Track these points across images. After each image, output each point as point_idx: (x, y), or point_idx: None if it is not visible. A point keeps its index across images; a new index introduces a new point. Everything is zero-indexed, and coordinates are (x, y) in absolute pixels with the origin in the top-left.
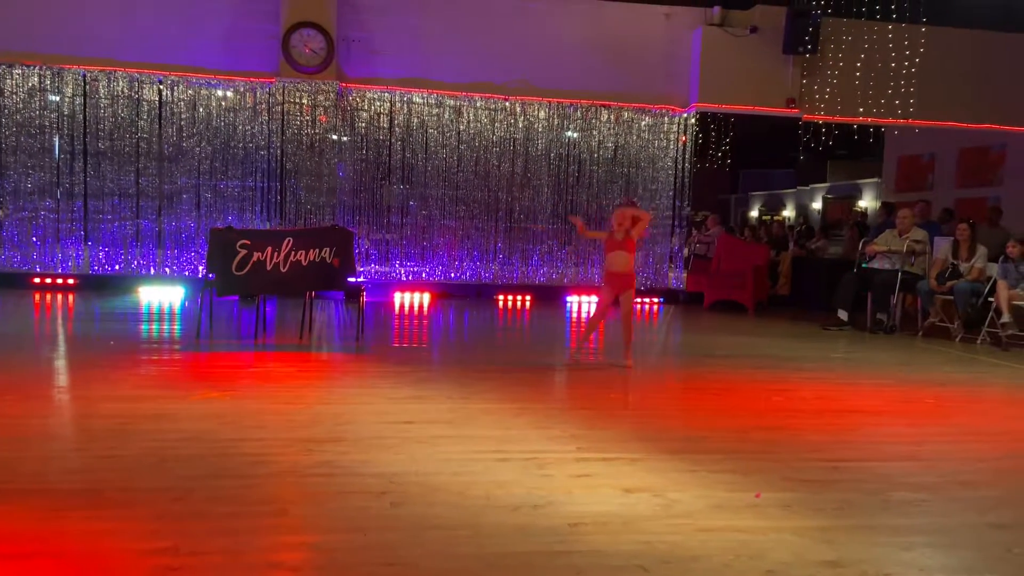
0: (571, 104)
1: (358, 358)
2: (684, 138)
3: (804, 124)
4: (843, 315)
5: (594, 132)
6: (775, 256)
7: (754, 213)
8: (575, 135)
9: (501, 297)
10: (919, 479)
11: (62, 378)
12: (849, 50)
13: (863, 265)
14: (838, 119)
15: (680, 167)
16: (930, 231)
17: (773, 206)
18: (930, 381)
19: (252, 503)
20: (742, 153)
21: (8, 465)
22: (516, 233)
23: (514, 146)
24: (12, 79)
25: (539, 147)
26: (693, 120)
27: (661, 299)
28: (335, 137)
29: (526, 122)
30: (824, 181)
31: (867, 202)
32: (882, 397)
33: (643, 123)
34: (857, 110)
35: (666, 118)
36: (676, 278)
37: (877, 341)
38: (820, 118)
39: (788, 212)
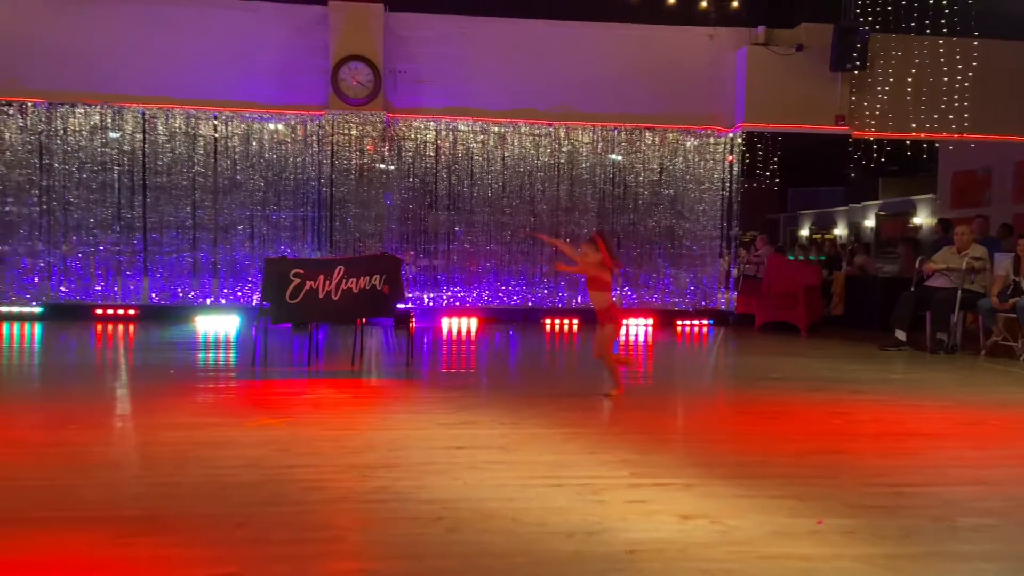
0: (615, 127)
1: (408, 384)
2: (731, 158)
3: (854, 141)
4: (901, 335)
5: (638, 154)
6: (828, 275)
7: (804, 232)
8: (619, 158)
9: (548, 321)
10: (986, 504)
11: (124, 406)
12: (899, 65)
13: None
14: (889, 135)
15: (727, 187)
16: (989, 247)
17: (824, 224)
18: (994, 402)
19: (310, 529)
20: (790, 171)
21: (74, 492)
22: (562, 257)
23: (558, 171)
24: (75, 118)
25: (583, 171)
26: (739, 140)
27: (710, 321)
28: (382, 166)
29: (570, 146)
30: (876, 198)
31: (922, 218)
32: (944, 419)
33: (688, 144)
34: (909, 126)
35: (712, 138)
36: (725, 299)
37: (937, 361)
38: (871, 134)
39: (840, 230)
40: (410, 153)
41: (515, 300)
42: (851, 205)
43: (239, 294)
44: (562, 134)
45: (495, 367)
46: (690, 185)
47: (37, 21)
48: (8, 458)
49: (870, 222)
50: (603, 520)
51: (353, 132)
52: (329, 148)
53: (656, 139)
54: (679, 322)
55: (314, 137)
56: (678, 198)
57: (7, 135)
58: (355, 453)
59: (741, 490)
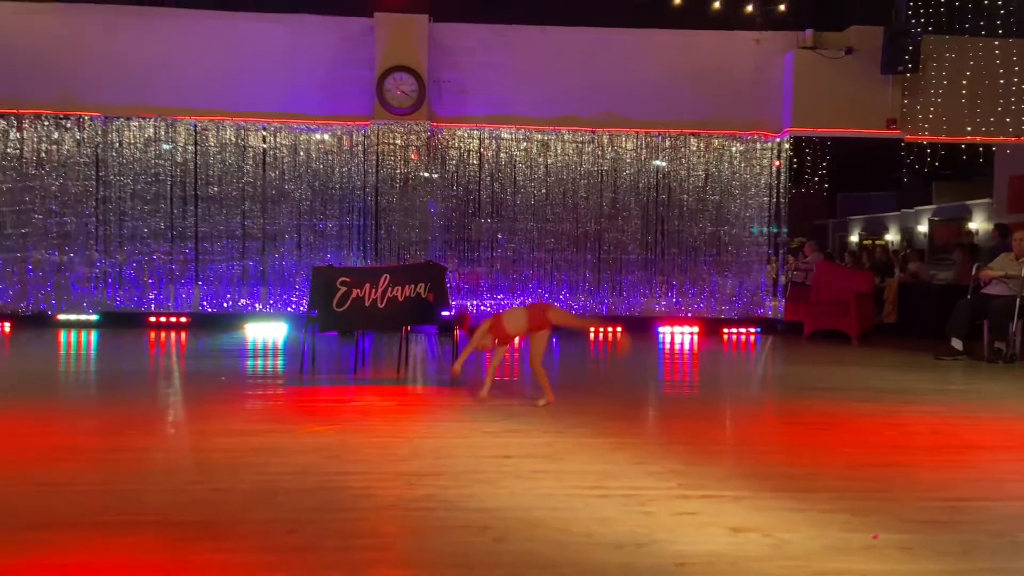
0: (659, 134)
1: (453, 391)
2: (778, 163)
3: (907, 145)
4: (957, 344)
5: (683, 161)
6: (880, 282)
7: (854, 238)
8: (664, 164)
9: (591, 329)
10: None
11: (178, 413)
12: (953, 68)
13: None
14: (943, 139)
15: (774, 193)
16: None
17: (874, 230)
18: None
19: (360, 536)
20: (839, 176)
21: (132, 498)
22: (605, 264)
23: (602, 178)
24: (130, 131)
25: (627, 178)
26: (787, 145)
27: (758, 329)
28: (426, 175)
29: (613, 153)
30: (929, 203)
31: (978, 224)
32: (1002, 432)
33: (734, 150)
34: (964, 129)
35: (758, 144)
36: (773, 307)
37: (995, 371)
38: (924, 138)
39: (891, 236)
40: (454, 161)
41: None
42: (903, 210)
43: (286, 302)
44: (605, 141)
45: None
46: (736, 191)
47: (93, 38)
48: (69, 464)
49: (923, 227)
50: (651, 532)
51: (398, 141)
52: (374, 157)
53: (701, 145)
54: (725, 330)
55: (360, 147)
56: (724, 204)
57: (65, 148)
58: (403, 461)
59: (792, 503)
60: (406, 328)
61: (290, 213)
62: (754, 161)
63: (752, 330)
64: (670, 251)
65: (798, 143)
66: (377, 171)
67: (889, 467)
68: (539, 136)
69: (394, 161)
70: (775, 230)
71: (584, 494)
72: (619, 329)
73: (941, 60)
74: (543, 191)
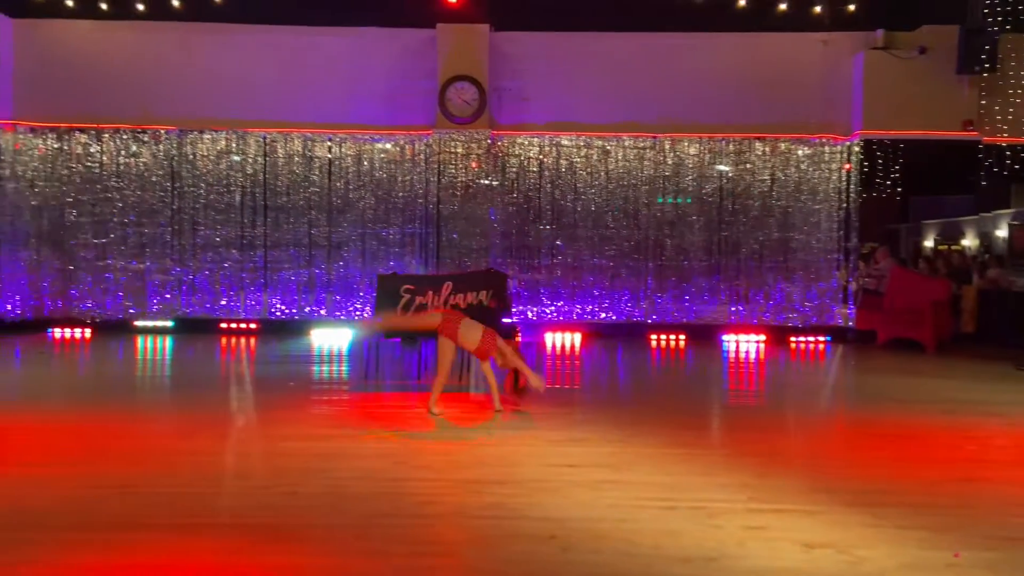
0: (723, 138)
1: (514, 399)
2: (848, 166)
3: (984, 147)
4: None
5: (748, 165)
6: (956, 290)
7: (928, 243)
8: (727, 169)
9: (654, 337)
10: None
11: (249, 417)
12: None
13: None
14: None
15: (844, 197)
16: None
17: (950, 235)
18: None
19: (426, 543)
20: (913, 179)
21: (208, 500)
22: (667, 271)
23: (664, 183)
24: (203, 143)
25: (689, 183)
26: (857, 148)
27: (828, 338)
28: (487, 182)
29: (675, 158)
30: (1008, 206)
31: None
32: None
33: (801, 153)
34: None
35: (827, 147)
36: (843, 315)
37: None
38: (1003, 140)
39: (968, 241)
40: (514, 169)
41: (619, 315)
42: (981, 214)
43: (351, 308)
44: (667, 146)
45: (600, 383)
46: (804, 196)
47: (169, 54)
48: (146, 467)
49: (1002, 232)
50: (720, 546)
51: (459, 150)
52: (436, 166)
53: (767, 149)
54: (793, 339)
55: (421, 156)
56: (791, 209)
57: (142, 161)
58: (466, 468)
59: (868, 518)
60: None
61: (354, 221)
62: (823, 165)
63: (821, 339)
64: (735, 257)
65: (869, 146)
66: (439, 179)
67: (970, 482)
68: (599, 142)
69: (455, 169)
70: (845, 235)
71: (650, 505)
72: (683, 338)
73: (1021, 59)
74: (603, 197)
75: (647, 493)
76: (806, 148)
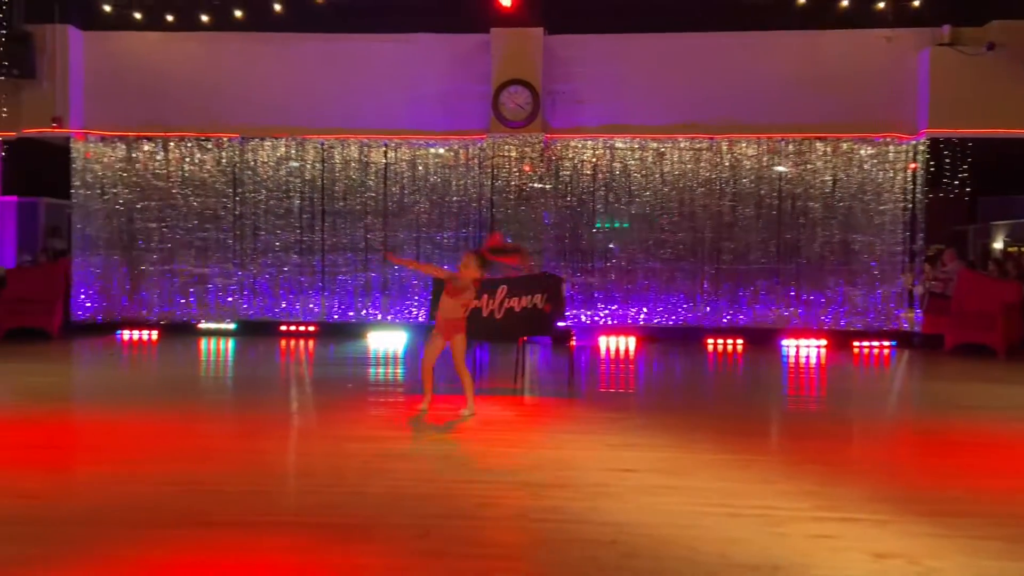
0: (782, 138)
1: (570, 403)
2: (914, 166)
3: None
4: None
5: (808, 166)
6: None
7: (998, 245)
8: (787, 170)
9: (710, 341)
10: None
11: (310, 418)
12: None
13: None
14: None
15: (909, 198)
16: None
17: (1020, 236)
18: None
19: (487, 545)
20: (981, 179)
21: (272, 499)
22: (724, 274)
23: (721, 185)
24: (264, 150)
25: (747, 185)
26: (923, 147)
27: (893, 343)
28: (539, 186)
29: (733, 160)
30: None
31: None
32: None
33: (864, 153)
34: None
35: (891, 147)
36: (909, 319)
37: None
38: None
39: None
40: (567, 172)
41: (675, 319)
42: None
43: (406, 312)
44: (724, 147)
45: (657, 388)
46: (868, 197)
47: (232, 63)
48: (212, 465)
49: None
50: (786, 555)
51: (512, 154)
52: (489, 170)
53: (828, 149)
54: (856, 344)
55: (475, 160)
56: (853, 211)
57: (206, 168)
58: (525, 471)
59: (940, 529)
60: (522, 338)
61: (409, 226)
62: (887, 165)
63: (886, 344)
64: (795, 260)
65: (935, 145)
66: (492, 183)
67: None
68: (654, 144)
69: (509, 173)
70: (911, 237)
71: (713, 512)
72: (741, 342)
73: None
74: (658, 200)
75: (708, 499)
76: (869, 148)
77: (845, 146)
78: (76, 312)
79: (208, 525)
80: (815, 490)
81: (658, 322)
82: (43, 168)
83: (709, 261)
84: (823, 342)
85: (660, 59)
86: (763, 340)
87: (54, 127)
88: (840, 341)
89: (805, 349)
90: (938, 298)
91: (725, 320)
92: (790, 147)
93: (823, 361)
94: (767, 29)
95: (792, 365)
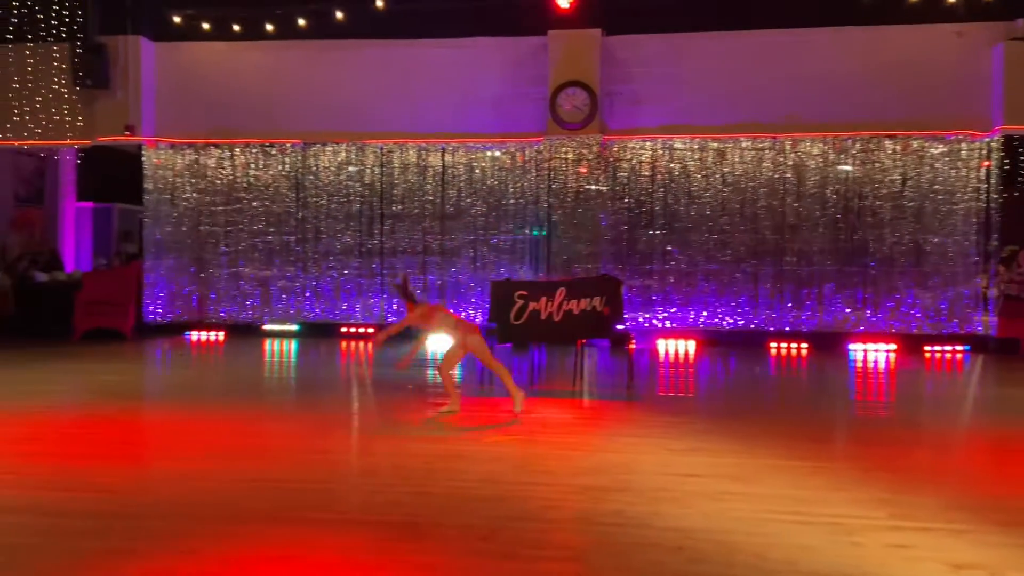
0: (849, 137)
1: (630, 406)
2: (988, 163)
3: None
4: None
5: (876, 164)
6: None
7: None
8: (853, 169)
9: (773, 345)
10: None
11: (371, 418)
12: None
13: None
14: None
15: (984, 197)
16: None
17: None
18: None
19: (552, 547)
20: None
21: (338, 496)
22: (788, 276)
23: (784, 185)
24: (325, 155)
25: (812, 185)
26: (997, 144)
27: (966, 347)
28: (598, 188)
29: (797, 159)
30: None
31: None
32: None
33: (935, 151)
34: None
35: (963, 144)
36: (983, 323)
37: None
38: None
39: None
40: (625, 174)
41: (736, 322)
42: None
43: (463, 314)
44: (788, 146)
45: (719, 392)
46: (939, 196)
47: (296, 71)
48: (277, 463)
49: None
50: (861, 564)
51: (569, 156)
52: (546, 172)
53: (897, 147)
54: (927, 348)
55: (532, 162)
56: (924, 211)
57: (269, 173)
58: (586, 474)
59: (1020, 539)
60: (581, 341)
61: (466, 228)
62: (959, 163)
63: (959, 348)
64: (862, 262)
65: (1010, 142)
66: (549, 185)
67: None
68: (715, 144)
69: (565, 175)
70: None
71: (781, 519)
72: (805, 346)
73: None
74: (719, 201)
75: (777, 506)
76: (940, 145)
77: (915, 144)
78: (148, 314)
79: (278, 521)
80: (888, 498)
81: (718, 325)
82: (115, 175)
83: (772, 263)
84: (892, 346)
85: (720, 58)
86: (829, 344)
87: (127, 135)
88: (910, 345)
89: (873, 354)
90: (1013, 300)
91: (789, 324)
92: (856, 145)
93: (892, 366)
94: (833, 25)
95: (860, 370)
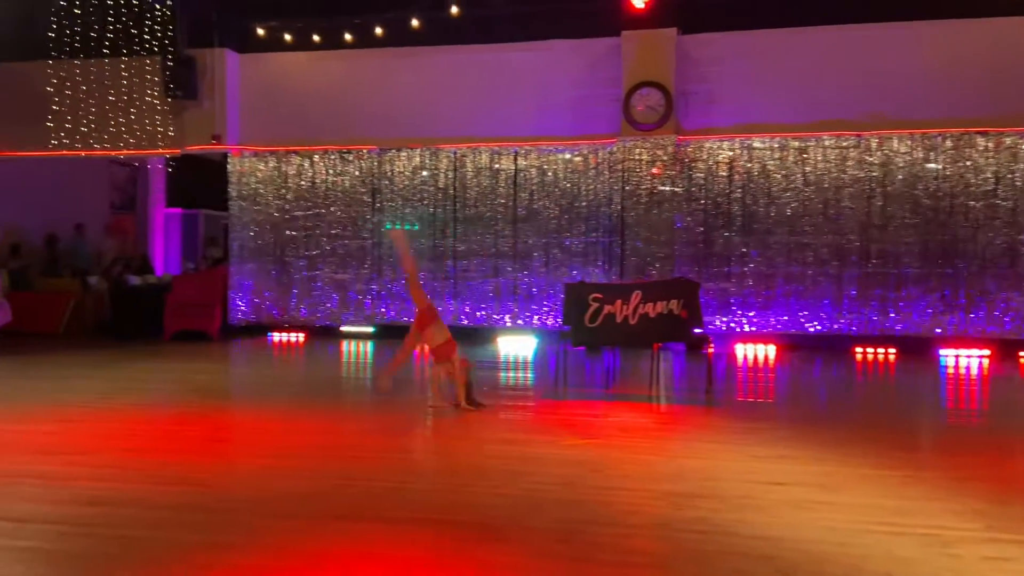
0: (938, 133)
1: (708, 411)
2: None
3: None
4: None
5: (968, 162)
6: None
7: None
8: (943, 167)
9: (858, 350)
10: None
11: (448, 419)
12: None
13: None
14: None
15: None
16: None
17: None
18: None
19: (631, 553)
20: None
21: (420, 496)
22: (874, 278)
23: (869, 184)
24: (400, 161)
25: (899, 184)
26: None
27: None
28: (672, 189)
29: (882, 157)
30: None
31: None
32: None
33: None
34: None
35: None
36: None
37: None
38: None
39: None
40: (701, 175)
41: (819, 326)
42: None
43: (534, 317)
44: (873, 144)
45: (801, 398)
46: None
47: (372, 79)
48: (361, 462)
49: None
50: None
51: (644, 157)
52: (620, 174)
53: (990, 144)
54: (1023, 354)
55: (605, 164)
56: (1019, 210)
57: (347, 179)
58: (667, 480)
59: None
60: (657, 345)
61: (538, 231)
62: None
63: None
64: (953, 264)
65: None
66: (623, 187)
67: None
68: (795, 143)
69: (639, 177)
70: None
71: (874, 530)
72: (893, 351)
73: None
74: (799, 201)
75: (868, 516)
76: None
77: (1008, 140)
78: (233, 315)
79: (362, 519)
80: (985, 509)
81: (800, 329)
82: (202, 182)
83: (857, 265)
84: (986, 352)
85: (801, 54)
86: (918, 349)
87: (213, 144)
88: (1005, 350)
89: (965, 359)
90: None
91: (875, 328)
92: (946, 142)
93: (985, 372)
94: (919, 19)
95: (951, 376)
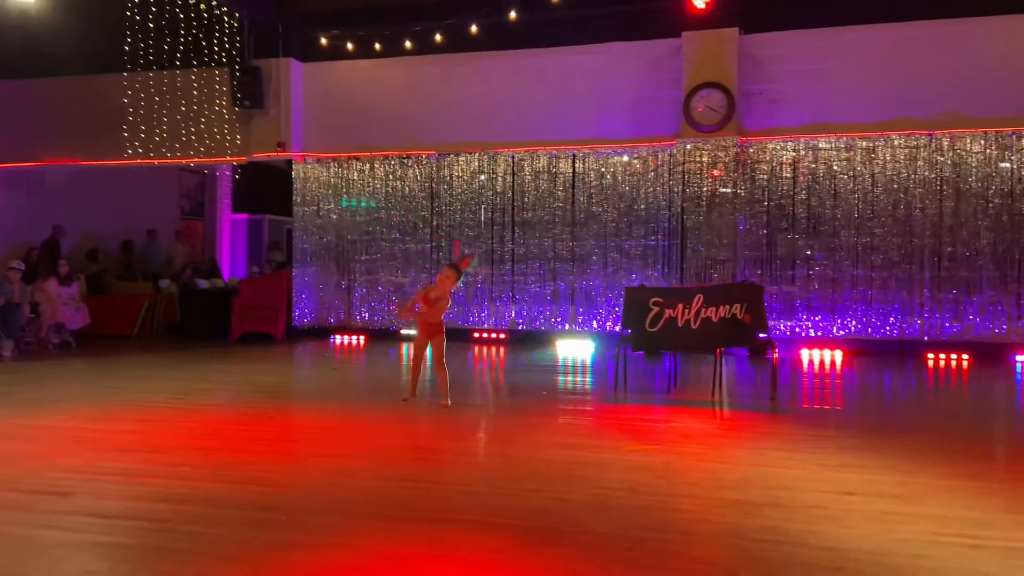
0: (1013, 132)
1: (774, 418)
2: None
3: None
4: None
5: None
6: None
7: None
8: (1018, 167)
9: (930, 356)
10: None
11: (509, 423)
12: None
13: None
14: None
15: None
16: None
17: None
18: None
19: (702, 562)
20: None
21: (479, 499)
22: (946, 282)
23: (941, 185)
24: (459, 165)
25: (972, 184)
26: None
27: None
28: (734, 191)
29: (955, 157)
30: None
31: None
32: None
33: None
34: None
35: None
36: None
37: None
38: None
39: None
40: (764, 176)
41: (888, 331)
42: None
43: (593, 320)
44: (945, 144)
45: (870, 406)
46: None
47: (431, 84)
48: (422, 464)
49: None
50: None
51: (704, 159)
52: (680, 176)
53: None
54: None
55: (665, 166)
56: None
57: (406, 184)
58: (734, 488)
59: None
60: (720, 350)
61: (597, 235)
62: None
63: None
64: None
65: None
66: (683, 190)
67: None
68: (863, 143)
69: (700, 179)
70: None
71: (950, 542)
72: (966, 357)
73: None
74: (867, 203)
75: (944, 528)
76: None
77: None
78: (296, 318)
79: (425, 520)
80: None
81: (867, 334)
82: (267, 188)
83: (928, 268)
84: None
85: (868, 52)
86: (993, 355)
87: (279, 151)
88: None
89: None
90: None
91: (947, 333)
92: (1022, 142)
93: None
94: (991, 14)
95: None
